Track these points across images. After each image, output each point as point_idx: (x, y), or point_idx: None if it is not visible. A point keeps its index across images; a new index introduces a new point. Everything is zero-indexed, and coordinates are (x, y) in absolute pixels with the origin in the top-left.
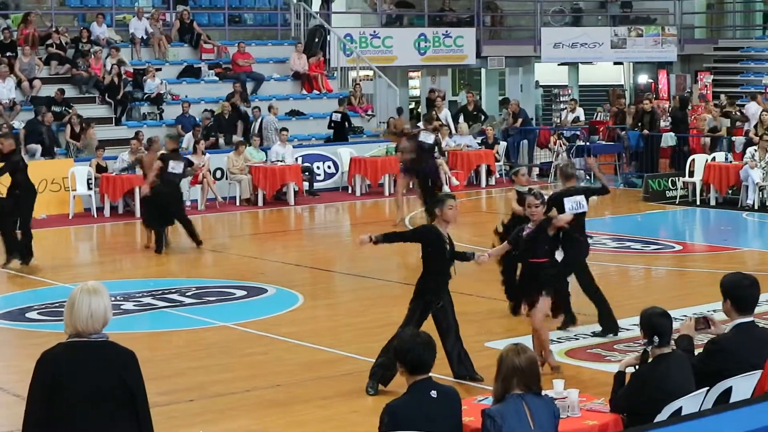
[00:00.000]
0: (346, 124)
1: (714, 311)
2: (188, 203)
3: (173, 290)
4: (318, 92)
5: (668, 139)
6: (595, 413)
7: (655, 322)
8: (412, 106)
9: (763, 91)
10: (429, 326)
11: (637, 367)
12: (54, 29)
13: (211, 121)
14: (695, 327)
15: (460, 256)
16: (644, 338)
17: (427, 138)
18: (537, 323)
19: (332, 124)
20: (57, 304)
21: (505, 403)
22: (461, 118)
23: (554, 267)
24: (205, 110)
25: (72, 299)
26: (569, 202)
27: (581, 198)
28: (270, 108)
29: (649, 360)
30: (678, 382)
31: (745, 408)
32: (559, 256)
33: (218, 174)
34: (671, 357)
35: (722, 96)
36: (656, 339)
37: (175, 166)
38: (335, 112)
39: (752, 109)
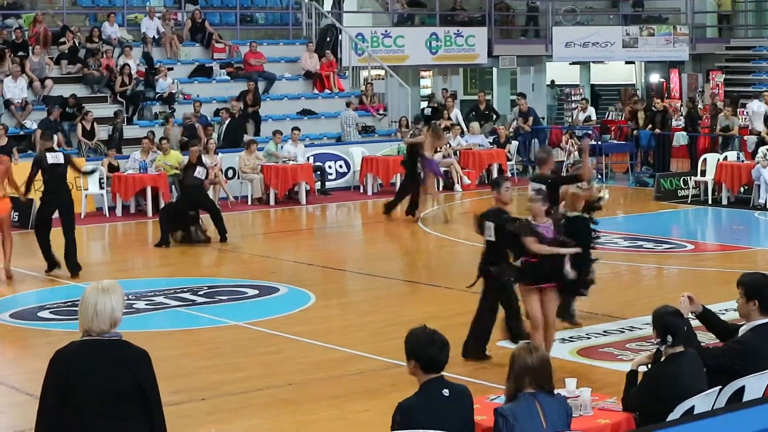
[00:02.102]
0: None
1: (725, 311)
2: None
3: (185, 289)
4: (329, 91)
5: (680, 139)
6: (608, 412)
7: (668, 321)
8: (425, 105)
9: None
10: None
11: (649, 366)
12: (66, 28)
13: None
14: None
15: None
16: (657, 337)
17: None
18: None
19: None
20: (69, 304)
21: (518, 402)
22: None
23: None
24: (224, 109)
25: (83, 298)
26: (530, 188)
27: (542, 187)
28: (348, 104)
29: (662, 359)
30: (690, 381)
31: (757, 407)
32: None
33: (230, 173)
34: (684, 356)
35: (725, 98)
36: (669, 338)
37: (200, 172)
38: (428, 106)
39: (754, 107)
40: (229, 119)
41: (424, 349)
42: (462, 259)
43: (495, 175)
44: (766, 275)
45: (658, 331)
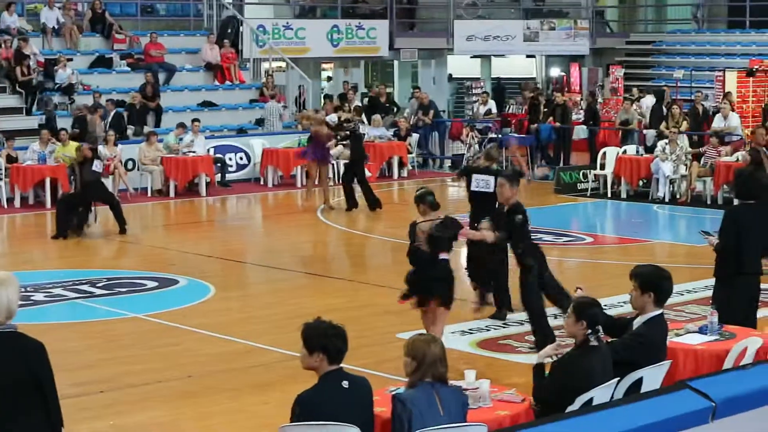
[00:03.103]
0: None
1: (623, 303)
2: None
3: (84, 281)
4: (230, 83)
5: (580, 132)
6: (507, 404)
7: (595, 313)
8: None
9: (675, 84)
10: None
11: (555, 357)
12: None
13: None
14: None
15: None
16: (585, 329)
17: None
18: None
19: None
20: None
21: (416, 390)
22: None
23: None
24: (108, 100)
25: None
26: (476, 179)
27: (490, 178)
28: (273, 96)
29: (574, 351)
30: (603, 379)
31: (655, 398)
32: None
33: (130, 165)
34: (598, 351)
35: (634, 89)
36: (600, 328)
37: (98, 165)
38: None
39: (647, 102)
40: (114, 111)
41: (331, 340)
42: (363, 251)
43: (396, 167)
44: (659, 267)
45: (587, 322)
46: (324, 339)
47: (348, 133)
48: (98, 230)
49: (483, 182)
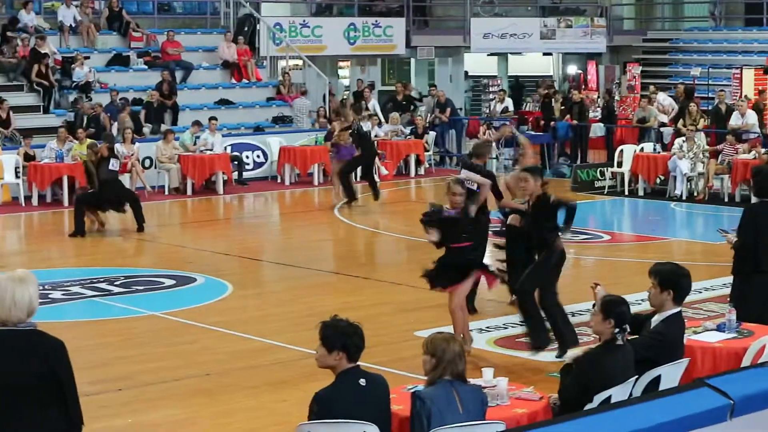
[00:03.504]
0: None
1: (641, 301)
2: None
3: (102, 279)
4: (247, 81)
5: (597, 130)
6: (525, 401)
7: (623, 312)
8: (346, 95)
9: (692, 82)
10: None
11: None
12: None
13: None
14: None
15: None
16: (614, 327)
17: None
18: (457, 304)
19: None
20: None
21: (435, 387)
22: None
23: (476, 251)
24: (122, 98)
25: None
26: (464, 173)
27: (476, 177)
28: (303, 92)
29: (598, 348)
30: (622, 379)
31: (674, 396)
32: None
33: (147, 163)
34: (622, 350)
35: (651, 87)
36: (627, 327)
37: (114, 164)
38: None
39: (660, 99)
40: (128, 109)
41: (351, 338)
42: (380, 249)
43: (413, 165)
44: (679, 265)
45: (615, 321)
46: (344, 337)
47: (351, 137)
48: (116, 228)
49: (467, 180)
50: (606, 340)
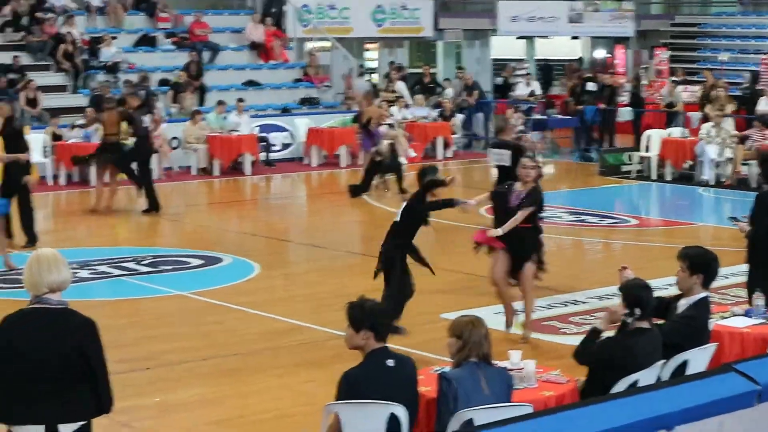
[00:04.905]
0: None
1: (668, 286)
2: None
3: (129, 258)
4: (274, 62)
5: (625, 114)
6: (552, 384)
7: (637, 294)
8: (368, 78)
9: (720, 67)
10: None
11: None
12: None
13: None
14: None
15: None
16: (625, 309)
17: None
18: (527, 287)
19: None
20: (13, 273)
21: (462, 369)
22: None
23: (537, 231)
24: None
25: (29, 266)
26: (492, 154)
27: (506, 153)
28: (363, 74)
29: (627, 331)
30: (643, 361)
31: (701, 380)
32: None
33: (174, 143)
34: (646, 333)
35: (679, 71)
36: (638, 311)
37: (147, 119)
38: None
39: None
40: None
41: (378, 318)
42: None
43: (440, 148)
44: (707, 249)
45: (626, 303)
46: (371, 317)
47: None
48: (141, 208)
49: (498, 156)
50: (624, 324)
